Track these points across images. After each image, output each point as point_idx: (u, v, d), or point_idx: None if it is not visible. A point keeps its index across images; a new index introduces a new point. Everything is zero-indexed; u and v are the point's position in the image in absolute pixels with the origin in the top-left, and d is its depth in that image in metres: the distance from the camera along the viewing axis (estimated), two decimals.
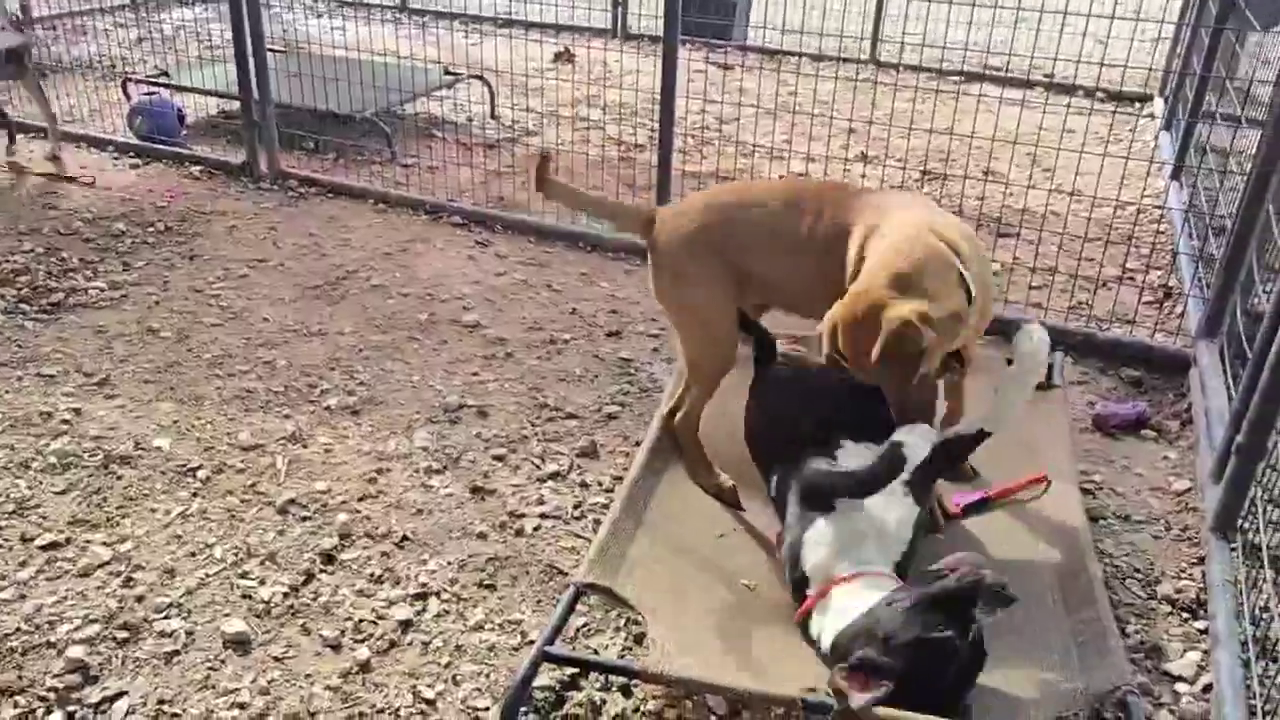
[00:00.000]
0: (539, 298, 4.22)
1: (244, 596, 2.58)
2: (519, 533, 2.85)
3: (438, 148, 5.73)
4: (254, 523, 2.84)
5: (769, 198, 2.72)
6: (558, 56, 7.51)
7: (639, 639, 2.43)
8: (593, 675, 2.35)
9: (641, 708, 2.28)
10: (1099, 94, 6.93)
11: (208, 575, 2.64)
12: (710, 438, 2.85)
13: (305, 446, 3.19)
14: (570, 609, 2.31)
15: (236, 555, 2.72)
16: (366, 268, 4.39)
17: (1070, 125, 5.46)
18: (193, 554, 2.71)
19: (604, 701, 2.30)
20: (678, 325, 2.83)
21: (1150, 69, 6.90)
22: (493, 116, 6.32)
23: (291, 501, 2.92)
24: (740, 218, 2.71)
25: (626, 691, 2.32)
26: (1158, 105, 6.52)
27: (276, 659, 2.40)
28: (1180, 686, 2.37)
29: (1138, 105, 6.88)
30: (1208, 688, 2.34)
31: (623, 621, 2.51)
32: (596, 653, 2.43)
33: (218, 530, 2.81)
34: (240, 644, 2.43)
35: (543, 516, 2.92)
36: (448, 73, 6.30)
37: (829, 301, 2.38)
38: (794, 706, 2.04)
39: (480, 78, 6.39)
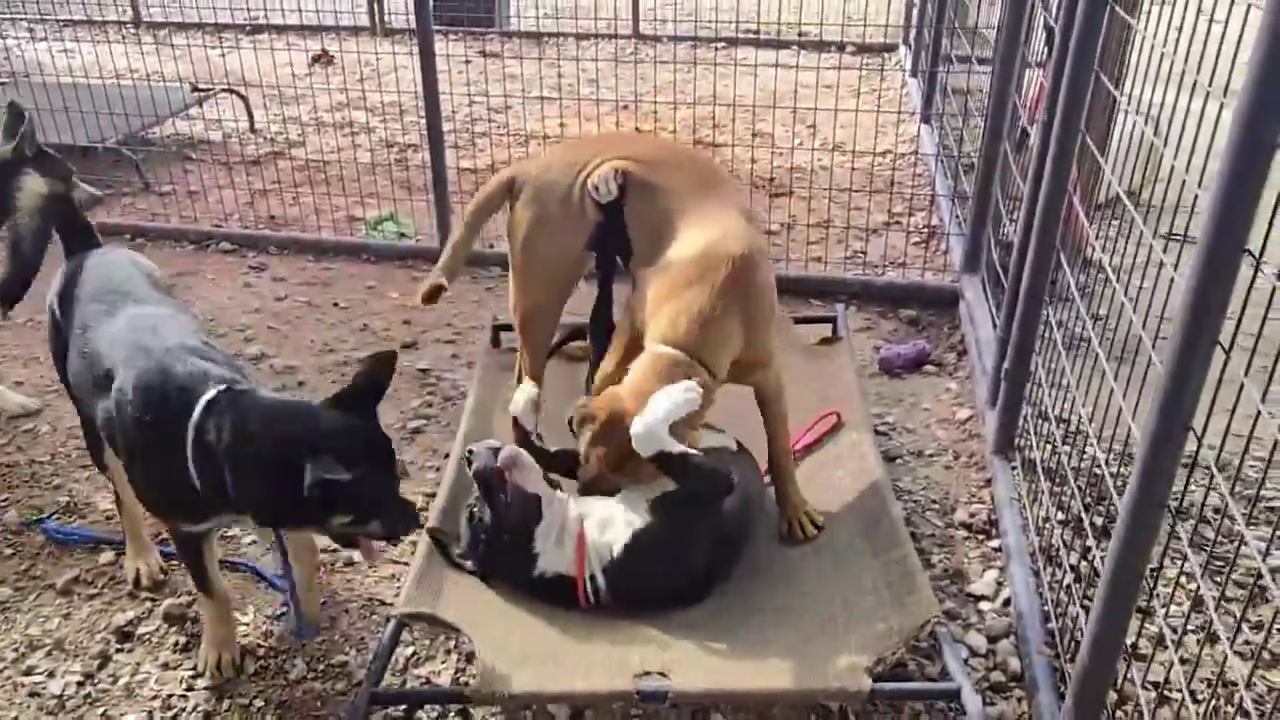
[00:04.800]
0: (326, 318, 4.04)
1: (31, 695, 2.35)
2: (332, 569, 2.72)
3: (196, 171, 5.37)
4: (33, 611, 2.59)
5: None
6: (316, 59, 7.19)
7: (470, 658, 2.38)
8: (428, 705, 2.29)
9: None
10: (849, 48, 7.26)
11: None
12: None
13: (84, 517, 2.93)
14: (394, 643, 2.23)
15: (17, 651, 2.47)
16: None
17: (827, 81, 5.69)
18: None
19: None
20: (523, 269, 2.76)
21: (889, 25, 7.29)
22: (252, 130, 5.98)
23: (75, 580, 2.68)
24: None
25: (465, 715, 2.27)
26: (903, 53, 6.89)
27: None
28: (984, 605, 2.53)
29: (885, 55, 7.26)
30: (1007, 601, 2.51)
31: (452, 644, 2.45)
32: (429, 682, 2.37)
33: None
34: None
35: None
36: (195, 89, 5.90)
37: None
38: (631, 700, 2.04)
39: (233, 91, 6.03)
